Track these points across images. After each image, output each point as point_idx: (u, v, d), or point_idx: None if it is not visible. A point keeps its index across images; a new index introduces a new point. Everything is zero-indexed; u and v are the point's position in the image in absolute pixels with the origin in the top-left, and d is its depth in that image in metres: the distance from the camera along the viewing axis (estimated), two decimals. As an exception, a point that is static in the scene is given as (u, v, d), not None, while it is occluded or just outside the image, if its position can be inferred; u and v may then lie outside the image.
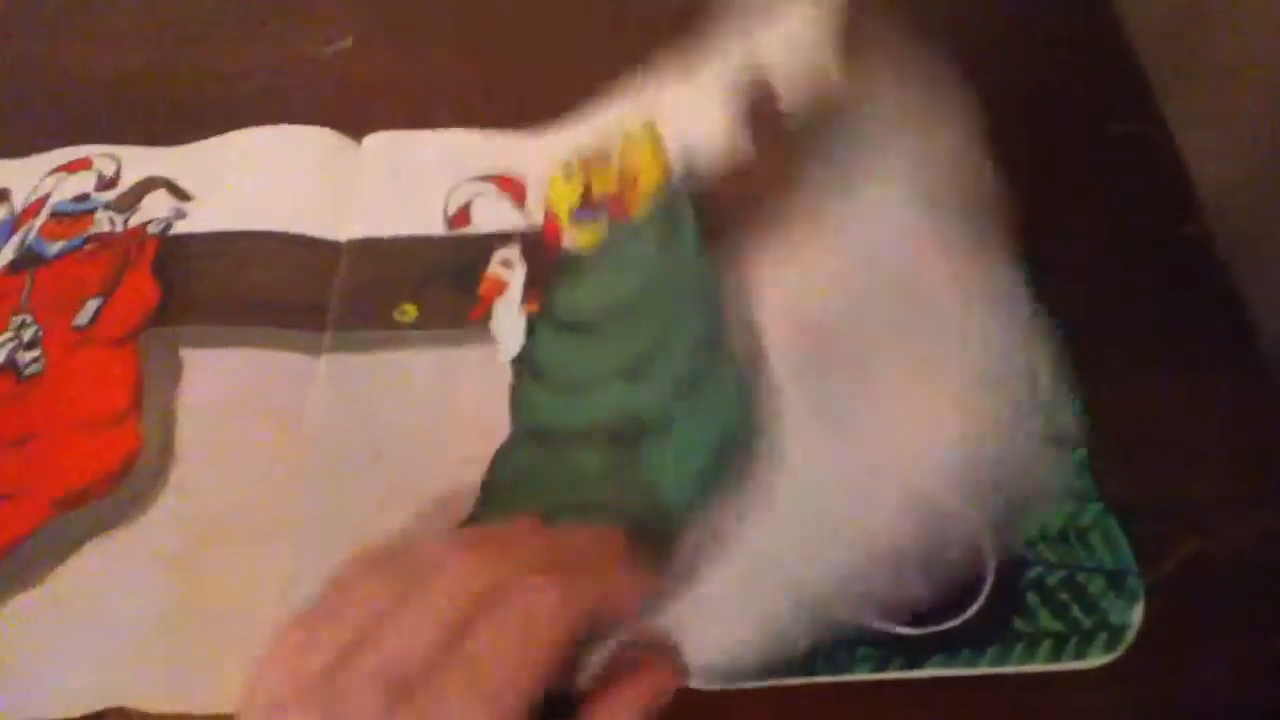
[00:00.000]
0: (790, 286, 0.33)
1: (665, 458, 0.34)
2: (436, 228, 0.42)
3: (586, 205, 0.42)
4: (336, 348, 0.39)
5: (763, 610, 0.30)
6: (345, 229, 0.42)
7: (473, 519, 0.34)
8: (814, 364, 0.32)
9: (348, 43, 0.51)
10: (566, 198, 0.42)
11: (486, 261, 0.41)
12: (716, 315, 0.34)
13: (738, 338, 0.34)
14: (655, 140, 0.42)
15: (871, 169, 0.34)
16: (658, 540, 0.32)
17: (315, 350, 0.38)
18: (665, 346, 0.36)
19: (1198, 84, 0.54)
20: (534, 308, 0.39)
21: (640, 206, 0.41)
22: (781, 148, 0.38)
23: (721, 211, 0.37)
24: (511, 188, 0.43)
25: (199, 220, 0.43)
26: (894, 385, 0.31)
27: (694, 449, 0.33)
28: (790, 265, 0.34)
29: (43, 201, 0.44)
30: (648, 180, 0.41)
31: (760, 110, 0.39)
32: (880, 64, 0.36)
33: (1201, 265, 0.40)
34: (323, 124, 0.46)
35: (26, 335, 0.39)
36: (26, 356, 0.38)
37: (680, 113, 0.41)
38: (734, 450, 0.32)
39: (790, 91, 0.38)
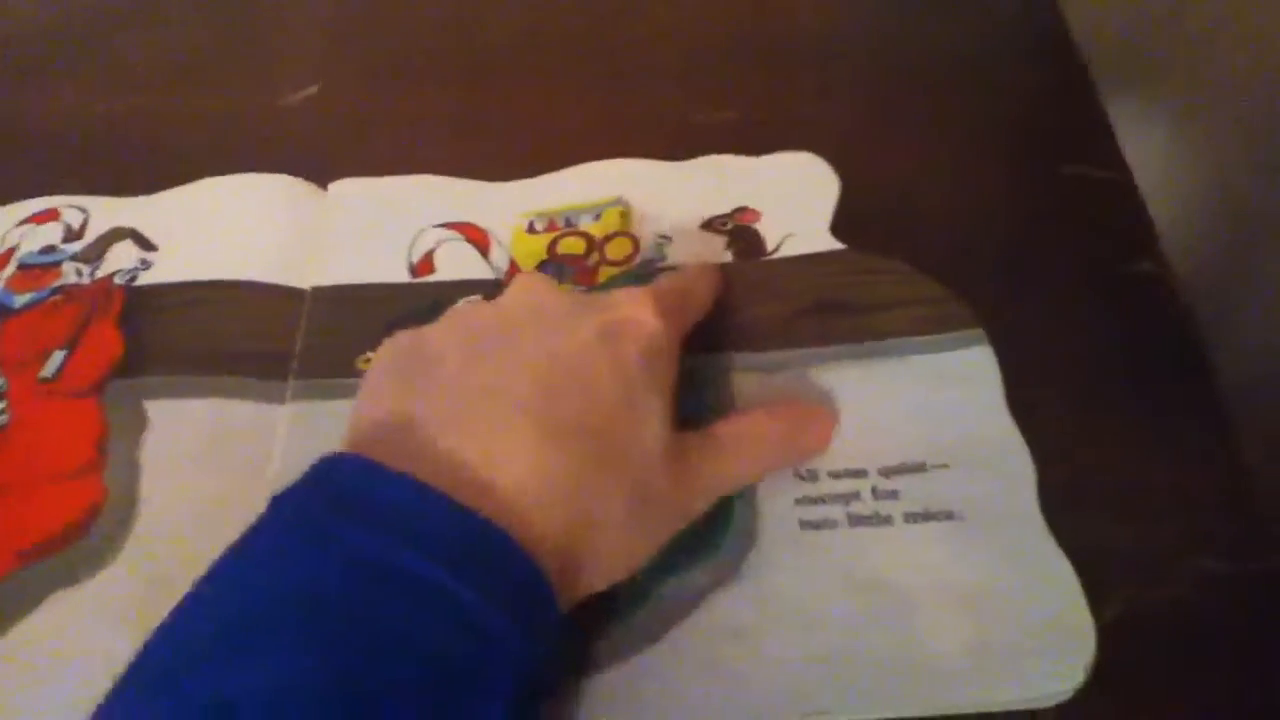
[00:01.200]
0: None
1: None
2: (401, 275, 0.43)
3: (551, 262, 0.42)
4: (300, 396, 0.39)
5: (732, 680, 0.31)
6: (310, 276, 0.42)
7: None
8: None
9: (313, 90, 0.52)
10: (532, 252, 0.43)
11: (445, 309, 0.41)
12: (692, 403, 0.36)
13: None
14: (626, 215, 0.43)
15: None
16: (623, 596, 0.33)
17: (279, 399, 0.39)
18: None
19: (1155, 123, 0.55)
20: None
21: (605, 274, 0.42)
22: (764, 265, 0.41)
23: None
24: (476, 236, 0.43)
25: (164, 270, 0.43)
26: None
27: None
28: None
29: (10, 253, 0.44)
30: (615, 251, 0.42)
31: (738, 229, 0.43)
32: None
33: (1158, 304, 0.40)
34: (288, 171, 0.46)
35: (-4, 387, 0.39)
36: (-6, 410, 0.38)
37: (656, 198, 0.44)
38: (711, 529, 0.34)
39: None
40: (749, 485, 0.35)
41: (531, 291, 0.34)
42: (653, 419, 0.31)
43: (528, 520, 0.28)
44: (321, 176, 0.46)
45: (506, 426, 0.29)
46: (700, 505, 0.33)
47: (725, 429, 0.34)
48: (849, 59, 0.51)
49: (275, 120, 0.49)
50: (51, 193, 0.46)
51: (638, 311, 0.33)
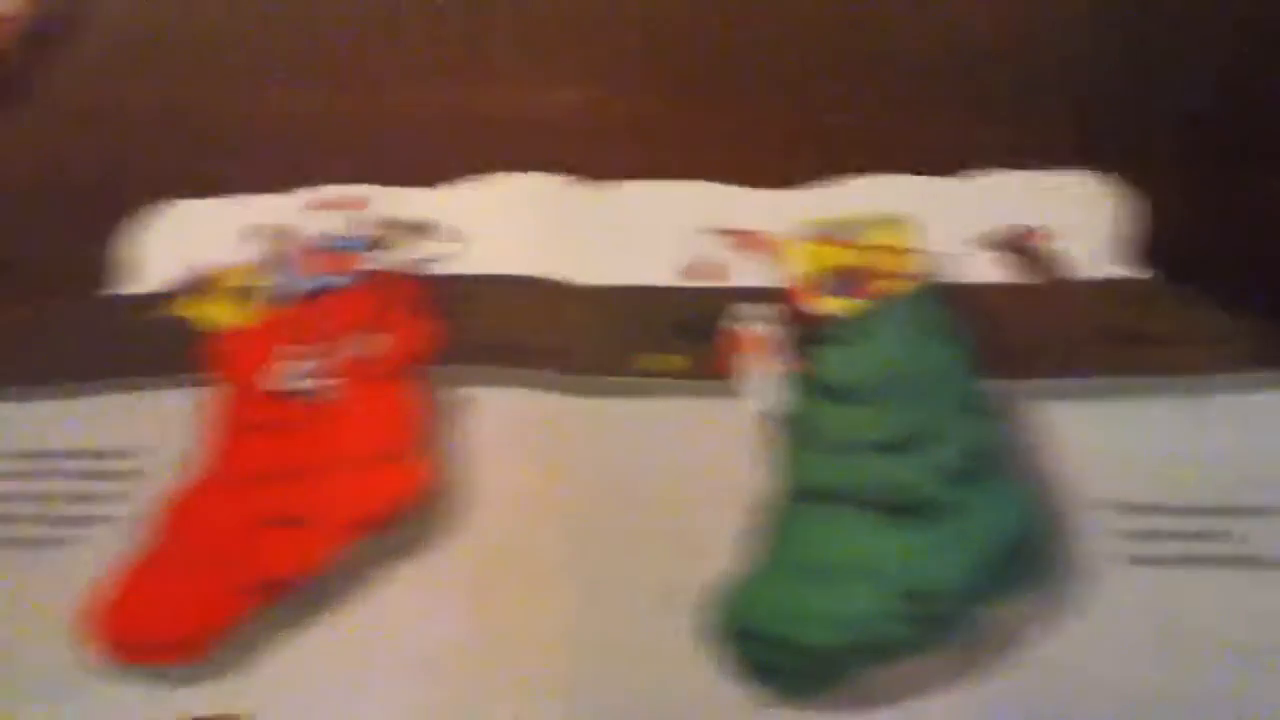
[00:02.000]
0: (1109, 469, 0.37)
1: (942, 541, 0.35)
2: (675, 279, 0.44)
3: (833, 276, 0.43)
4: (602, 392, 0.41)
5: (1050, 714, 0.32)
6: (591, 275, 0.44)
7: (737, 570, 0.36)
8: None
9: (574, 95, 0.53)
10: (812, 264, 0.44)
11: (727, 316, 0.42)
12: (990, 433, 0.37)
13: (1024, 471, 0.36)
14: (906, 229, 0.44)
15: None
16: (929, 620, 0.34)
17: (575, 392, 0.41)
18: (934, 436, 0.38)
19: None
20: (785, 368, 0.41)
21: (887, 291, 0.42)
22: (1052, 287, 0.40)
23: (993, 332, 0.40)
24: (751, 245, 0.45)
25: (457, 262, 0.45)
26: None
27: (975, 542, 0.35)
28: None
29: (310, 237, 0.46)
30: (895, 267, 0.43)
31: (1027, 249, 0.42)
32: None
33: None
34: (565, 172, 0.48)
35: (309, 364, 0.41)
36: (311, 384, 0.41)
37: (937, 214, 0.44)
38: (1025, 559, 0.34)
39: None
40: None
41: None
42: None
43: None
44: (598, 178, 0.48)
45: None
46: None
47: None
48: (1141, 78, 0.50)
49: (552, 122, 0.51)
50: (336, 182, 0.49)
51: None
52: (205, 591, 0.36)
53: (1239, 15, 0.52)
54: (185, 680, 0.34)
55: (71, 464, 0.39)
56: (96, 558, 0.37)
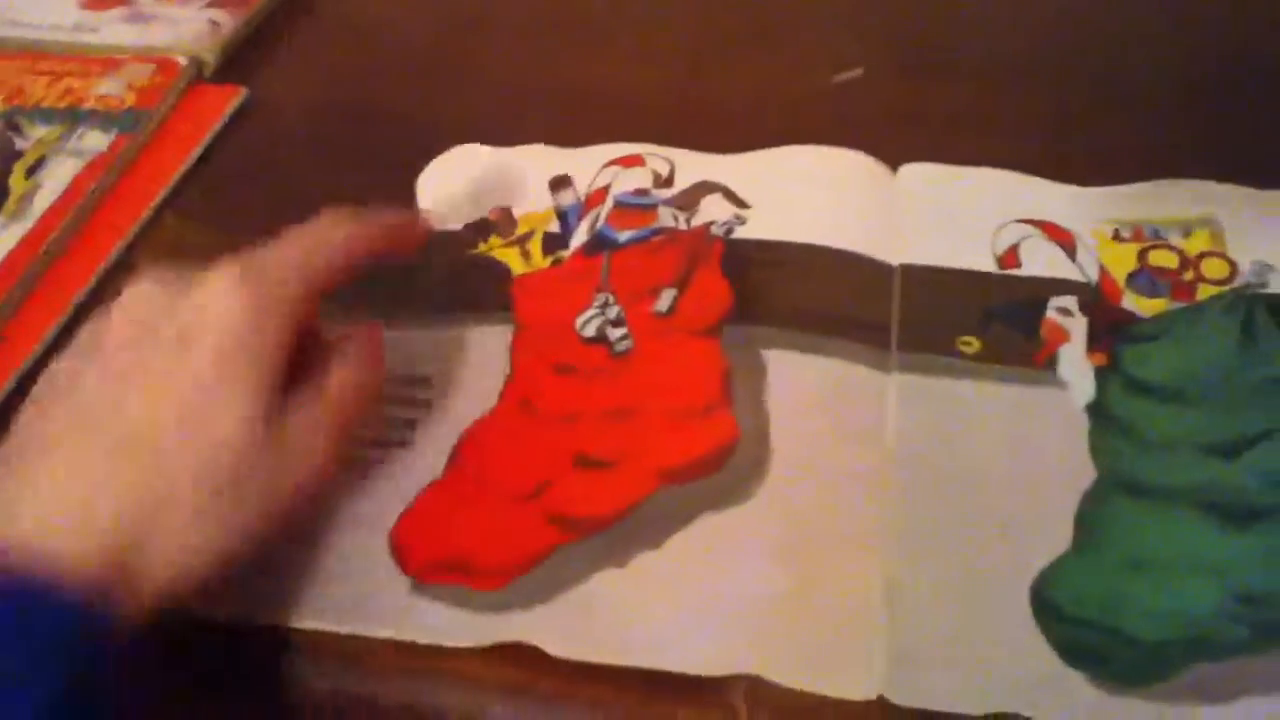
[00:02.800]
0: None
1: (1276, 547, 0.34)
2: (986, 264, 0.43)
3: (1145, 273, 0.42)
4: (904, 368, 0.40)
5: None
6: (896, 253, 0.44)
7: (1066, 555, 0.35)
8: None
9: (858, 73, 0.53)
10: (1123, 260, 0.43)
11: (1045, 306, 0.42)
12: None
13: None
14: (1218, 236, 0.43)
15: None
16: (1264, 624, 0.33)
17: (884, 368, 0.40)
18: (1260, 440, 0.37)
19: None
20: (1100, 361, 0.40)
21: (1204, 293, 0.41)
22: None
23: None
24: (1059, 236, 0.44)
25: (755, 227, 0.45)
26: None
27: None
28: None
29: (605, 191, 0.47)
30: (1212, 271, 0.42)
31: None
32: None
33: None
34: (855, 148, 0.48)
35: (612, 313, 0.42)
36: (616, 333, 0.41)
37: (1251, 222, 0.43)
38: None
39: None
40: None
41: (130, 307, 0.34)
42: (226, 416, 0.31)
43: (53, 550, 0.28)
44: (889, 157, 0.47)
45: (44, 453, 0.31)
46: (315, 457, 0.33)
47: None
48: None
49: (835, 100, 0.51)
50: (630, 141, 0.49)
51: (213, 299, 0.32)
52: (511, 522, 0.37)
53: None
54: (486, 606, 0.35)
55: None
56: (409, 482, 0.38)
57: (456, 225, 0.46)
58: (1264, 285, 0.42)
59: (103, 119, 0.52)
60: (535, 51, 0.56)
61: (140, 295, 0.34)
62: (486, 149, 0.50)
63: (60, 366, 0.33)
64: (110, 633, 0.28)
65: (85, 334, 0.34)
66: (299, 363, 0.34)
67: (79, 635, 0.27)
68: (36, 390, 0.33)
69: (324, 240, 0.35)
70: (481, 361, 0.41)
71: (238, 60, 0.57)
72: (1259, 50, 0.52)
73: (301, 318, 0.34)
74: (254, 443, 0.31)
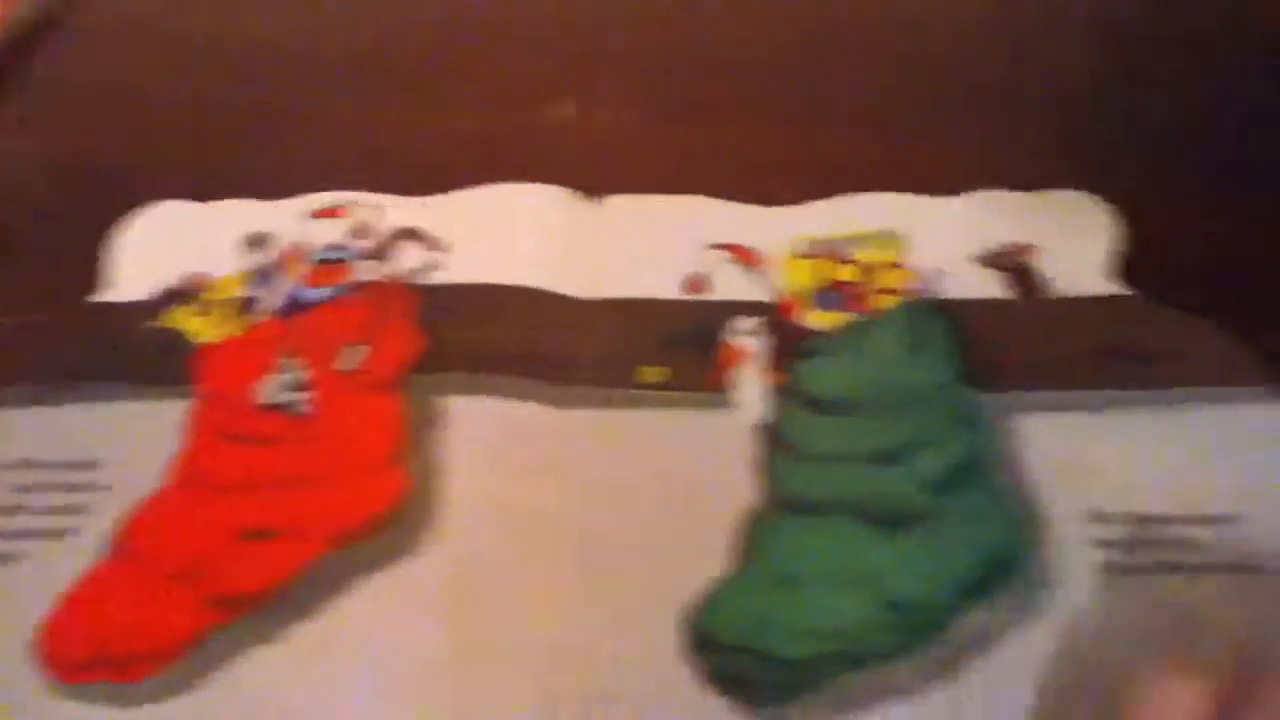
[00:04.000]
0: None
1: (926, 550, 0.35)
2: (675, 291, 0.44)
3: (826, 289, 0.43)
4: (585, 403, 0.40)
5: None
6: (588, 287, 0.44)
7: (721, 580, 0.35)
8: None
9: (570, 109, 0.53)
10: (806, 278, 0.43)
11: (726, 329, 0.42)
12: (977, 444, 0.37)
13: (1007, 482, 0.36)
14: (899, 246, 0.44)
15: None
16: (911, 628, 0.33)
17: (565, 404, 0.40)
18: (922, 446, 0.37)
19: None
20: (776, 380, 0.40)
21: (880, 304, 0.42)
22: (1044, 304, 0.41)
23: (982, 346, 0.40)
24: (748, 259, 0.44)
25: (456, 270, 0.45)
26: None
27: (956, 553, 0.35)
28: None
29: (304, 247, 0.46)
30: (889, 282, 0.43)
31: (1017, 266, 0.42)
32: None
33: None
34: (563, 184, 0.48)
35: (294, 378, 0.41)
36: (295, 398, 0.41)
37: (929, 231, 0.44)
38: (1004, 571, 0.34)
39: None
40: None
41: None
42: None
43: None
44: (596, 191, 0.47)
45: None
46: None
47: None
48: (1122, 99, 0.50)
49: (547, 136, 0.51)
50: (335, 188, 0.49)
51: None
52: (164, 605, 0.36)
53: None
54: (151, 696, 0.34)
55: (42, 475, 0.39)
56: (61, 573, 0.36)
57: (140, 294, 0.44)
58: (940, 292, 0.42)
59: None
60: (245, 98, 0.55)
61: None
62: (187, 205, 0.48)
63: None
64: None
65: None
66: None
67: None
68: None
69: None
70: (156, 437, 0.40)
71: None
72: (938, 65, 0.53)
73: None
74: None
